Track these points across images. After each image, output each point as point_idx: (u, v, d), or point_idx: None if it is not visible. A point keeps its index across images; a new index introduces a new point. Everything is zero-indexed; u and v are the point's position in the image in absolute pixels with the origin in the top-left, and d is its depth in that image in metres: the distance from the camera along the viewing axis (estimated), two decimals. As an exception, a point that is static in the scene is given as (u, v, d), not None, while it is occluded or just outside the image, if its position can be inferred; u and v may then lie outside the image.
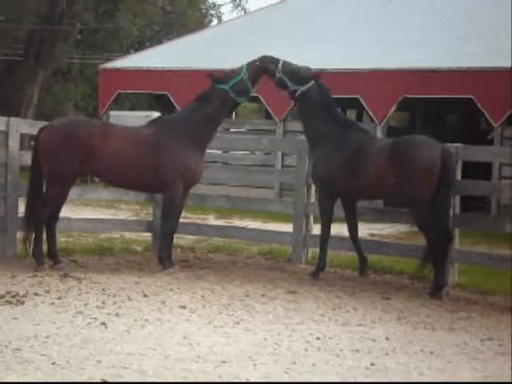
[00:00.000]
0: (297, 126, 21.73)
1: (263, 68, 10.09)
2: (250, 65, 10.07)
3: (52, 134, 9.85)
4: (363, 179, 9.68)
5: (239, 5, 52.16)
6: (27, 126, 11.00)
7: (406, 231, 15.28)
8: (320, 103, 10.03)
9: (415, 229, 10.01)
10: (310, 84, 10.00)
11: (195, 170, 10.11)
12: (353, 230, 10.21)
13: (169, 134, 10.01)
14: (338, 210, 10.23)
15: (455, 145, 9.89)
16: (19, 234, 10.28)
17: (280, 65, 10.06)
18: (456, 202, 9.82)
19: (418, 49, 21.40)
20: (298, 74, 10.03)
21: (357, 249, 10.24)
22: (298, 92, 10.06)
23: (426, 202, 9.34)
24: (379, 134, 19.19)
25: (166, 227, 10.14)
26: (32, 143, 10.46)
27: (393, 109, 20.83)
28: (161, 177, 9.95)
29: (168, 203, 10.10)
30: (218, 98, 10.08)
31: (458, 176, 9.81)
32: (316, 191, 10.99)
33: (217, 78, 10.13)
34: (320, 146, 10.07)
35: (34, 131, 10.26)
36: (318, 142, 10.11)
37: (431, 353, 6.74)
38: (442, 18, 23.23)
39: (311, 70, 10.23)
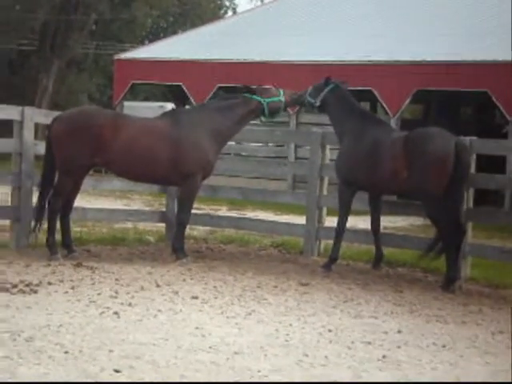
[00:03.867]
0: (310, 117, 21.78)
1: (297, 100, 10.72)
2: (286, 92, 10.53)
3: (64, 124, 9.85)
4: (379, 172, 9.71)
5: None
6: (42, 116, 11.02)
7: (418, 224, 15.27)
8: (337, 102, 10.36)
9: (428, 222, 10.01)
10: (325, 91, 10.42)
11: (213, 164, 10.17)
12: (375, 223, 10.24)
13: (188, 126, 10.01)
14: (355, 203, 10.26)
15: (469, 138, 9.87)
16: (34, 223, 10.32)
17: (308, 92, 10.60)
18: (469, 195, 9.81)
19: (432, 41, 21.33)
20: (316, 89, 10.56)
21: (376, 243, 10.27)
22: (317, 103, 10.48)
23: (439, 195, 9.33)
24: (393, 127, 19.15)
25: (181, 218, 10.16)
26: (46, 133, 10.50)
27: (407, 101, 20.79)
28: (180, 170, 9.97)
29: (187, 195, 10.12)
30: (249, 105, 10.29)
31: (472, 169, 9.79)
32: (330, 184, 11.07)
33: (252, 89, 10.44)
34: (343, 141, 10.27)
35: (49, 121, 10.27)
36: (342, 137, 10.33)
37: (443, 346, 6.74)
38: (458, 11, 23.12)
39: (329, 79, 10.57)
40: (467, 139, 9.79)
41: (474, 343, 6.93)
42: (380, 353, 6.38)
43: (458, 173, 9.35)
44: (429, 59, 20.45)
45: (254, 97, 10.32)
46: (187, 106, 22.19)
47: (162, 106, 26.78)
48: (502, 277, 10.00)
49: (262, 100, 10.31)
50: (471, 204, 9.86)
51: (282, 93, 10.45)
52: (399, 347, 6.61)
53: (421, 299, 8.68)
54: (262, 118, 10.74)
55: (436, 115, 25.51)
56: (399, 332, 7.13)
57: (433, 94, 23.00)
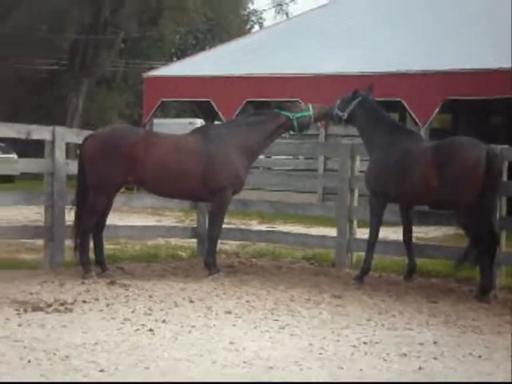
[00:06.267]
0: (339, 129, 21.74)
1: (326, 114, 10.75)
2: (315, 106, 10.58)
3: (96, 143, 9.93)
4: (409, 183, 9.67)
5: (281, 10, 52.30)
6: (73, 135, 11.09)
7: (451, 234, 15.17)
8: (365, 114, 10.34)
9: (461, 231, 9.94)
10: (353, 104, 10.38)
11: (244, 179, 10.21)
12: (407, 234, 10.21)
13: (219, 142, 10.07)
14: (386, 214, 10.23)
15: (500, 146, 9.81)
16: (67, 243, 10.39)
17: (336, 105, 10.58)
18: (502, 203, 9.73)
19: (461, 50, 21.23)
20: (344, 101, 10.54)
21: (409, 254, 10.23)
22: (345, 116, 10.46)
23: (471, 204, 9.26)
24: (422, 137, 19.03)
25: (212, 233, 10.20)
26: (78, 152, 10.62)
27: (436, 111, 20.69)
28: (211, 186, 10.01)
29: (218, 210, 10.17)
30: (278, 121, 10.36)
31: (504, 177, 9.73)
32: (360, 195, 11.06)
33: (282, 106, 10.56)
34: (373, 152, 10.24)
35: (80, 140, 10.34)
36: (372, 150, 10.30)
37: (479, 357, 6.68)
38: (489, 16, 22.97)
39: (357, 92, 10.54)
40: (498, 147, 9.73)
41: (510, 353, 6.86)
42: (416, 364, 6.34)
43: (490, 181, 9.28)
44: (458, 67, 20.34)
45: (284, 112, 10.37)
46: (216, 122, 22.28)
47: (191, 123, 26.93)
48: (538, 285, 9.90)
49: (291, 115, 10.36)
50: (504, 213, 9.78)
51: (310, 107, 10.49)
52: (435, 358, 6.56)
53: (455, 310, 8.61)
54: (292, 133, 10.79)
55: (465, 124, 25.37)
56: (435, 343, 7.08)
57: (461, 102, 22.88)
